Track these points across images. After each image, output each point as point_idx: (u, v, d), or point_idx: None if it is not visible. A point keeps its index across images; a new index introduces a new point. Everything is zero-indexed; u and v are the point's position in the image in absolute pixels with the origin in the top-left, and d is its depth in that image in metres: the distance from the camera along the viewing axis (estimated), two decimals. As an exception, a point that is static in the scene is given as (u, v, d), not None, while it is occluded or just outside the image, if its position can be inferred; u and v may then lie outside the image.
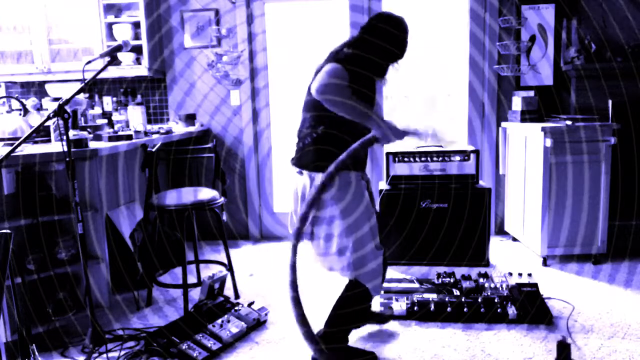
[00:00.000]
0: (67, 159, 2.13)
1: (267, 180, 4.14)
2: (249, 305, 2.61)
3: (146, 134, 3.25)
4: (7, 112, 3.44)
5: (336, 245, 2.00)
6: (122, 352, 2.27)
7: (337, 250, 2.00)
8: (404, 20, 2.08)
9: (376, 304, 2.62)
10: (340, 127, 1.93)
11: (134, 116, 3.82)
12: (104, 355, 2.23)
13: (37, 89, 4.13)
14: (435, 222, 3.27)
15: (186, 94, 4.08)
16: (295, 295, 1.83)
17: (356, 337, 2.37)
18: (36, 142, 2.79)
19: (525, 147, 3.45)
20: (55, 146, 2.60)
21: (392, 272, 3.24)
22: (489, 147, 3.90)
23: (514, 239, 3.81)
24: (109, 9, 3.81)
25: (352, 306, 2.06)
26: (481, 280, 2.84)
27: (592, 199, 3.21)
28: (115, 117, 3.81)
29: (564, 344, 2.01)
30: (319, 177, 1.96)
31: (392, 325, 2.51)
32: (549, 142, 3.13)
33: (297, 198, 2.09)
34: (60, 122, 2.10)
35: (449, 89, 3.97)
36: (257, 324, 2.52)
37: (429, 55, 3.85)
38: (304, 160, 2.03)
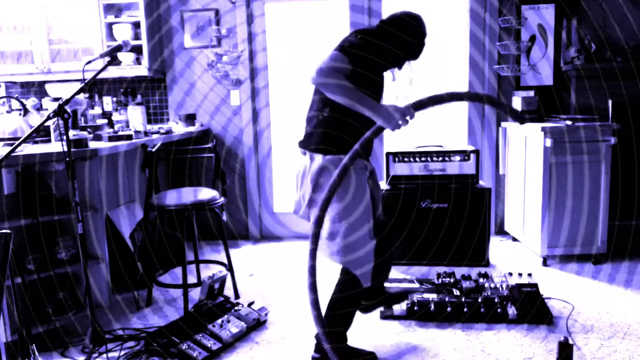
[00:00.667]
0: (67, 159, 2.13)
1: (267, 180, 4.14)
2: (249, 305, 2.61)
3: (146, 134, 3.25)
4: (7, 112, 3.45)
5: (327, 230, 1.99)
6: (122, 352, 2.27)
7: (328, 235, 1.98)
8: (423, 24, 2.10)
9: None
10: (345, 109, 1.89)
11: (134, 116, 3.82)
12: (104, 355, 2.23)
13: (37, 89, 4.13)
14: (435, 222, 3.27)
15: (186, 94, 4.08)
16: (315, 297, 1.83)
17: (357, 337, 2.36)
18: (36, 142, 2.79)
19: (525, 147, 3.44)
20: (55, 146, 2.60)
21: (392, 272, 3.24)
22: (489, 147, 3.90)
23: (514, 239, 3.81)
24: (109, 9, 3.81)
25: (347, 306, 2.06)
26: (481, 280, 2.85)
27: (592, 199, 3.21)
28: (115, 117, 3.82)
29: (566, 344, 2.01)
30: (319, 158, 1.97)
31: (392, 325, 2.51)
32: (549, 142, 3.13)
33: (298, 178, 2.11)
34: (60, 122, 2.09)
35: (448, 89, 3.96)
36: (257, 324, 2.52)
37: (429, 55, 3.84)
38: (309, 141, 2.03)
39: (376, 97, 2.00)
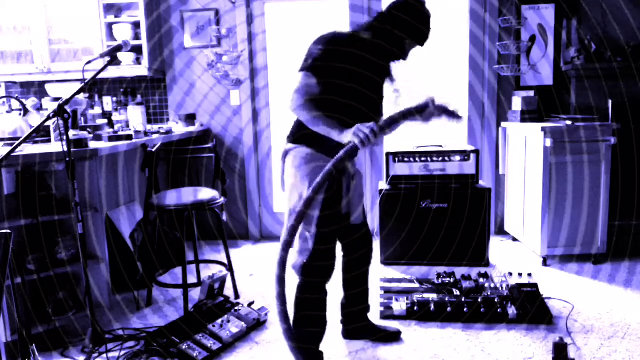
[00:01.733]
0: (67, 159, 2.13)
1: (267, 180, 4.14)
2: (249, 305, 2.61)
3: (146, 134, 3.25)
4: (7, 112, 3.44)
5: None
6: (122, 352, 2.27)
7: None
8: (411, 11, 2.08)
9: (376, 304, 2.62)
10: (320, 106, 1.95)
11: (134, 116, 3.82)
12: (104, 355, 2.23)
13: (37, 89, 4.13)
14: (435, 222, 3.27)
15: (186, 94, 4.08)
16: (282, 291, 1.85)
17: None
18: (36, 142, 2.79)
19: (525, 147, 3.45)
20: (55, 146, 2.60)
21: (392, 272, 3.24)
22: (489, 147, 3.90)
23: (514, 239, 3.81)
24: (109, 9, 3.81)
25: (309, 309, 2.06)
26: (481, 280, 2.85)
27: (592, 199, 3.21)
28: (115, 117, 3.82)
29: (561, 345, 2.01)
30: (285, 144, 2.08)
31: (392, 325, 2.50)
32: (549, 142, 3.13)
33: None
34: (60, 122, 2.09)
35: (449, 89, 3.97)
36: (257, 324, 2.52)
37: (429, 55, 3.84)
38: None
39: (359, 99, 2.01)
